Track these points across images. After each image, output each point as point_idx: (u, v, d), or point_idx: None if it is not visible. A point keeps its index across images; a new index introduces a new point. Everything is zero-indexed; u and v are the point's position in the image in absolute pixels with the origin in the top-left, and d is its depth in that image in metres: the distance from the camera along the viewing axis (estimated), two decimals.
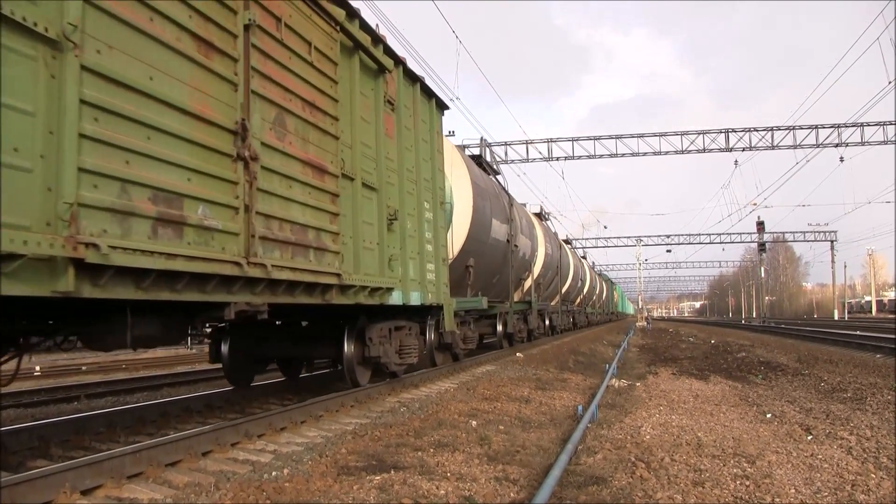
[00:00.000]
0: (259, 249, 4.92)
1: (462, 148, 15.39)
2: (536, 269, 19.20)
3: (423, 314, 9.46)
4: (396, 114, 8.05)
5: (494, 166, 17.76)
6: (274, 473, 4.37)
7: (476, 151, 18.32)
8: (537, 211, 24.58)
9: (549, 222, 26.43)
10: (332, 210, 6.02)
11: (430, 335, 10.28)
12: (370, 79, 7.47)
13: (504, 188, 16.86)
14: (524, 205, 21.53)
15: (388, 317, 8.15)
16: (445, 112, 10.08)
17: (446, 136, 11.28)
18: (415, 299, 8.17)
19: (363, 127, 7.08)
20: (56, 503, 3.68)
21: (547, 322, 21.98)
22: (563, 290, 26.23)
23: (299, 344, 8.23)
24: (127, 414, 6.78)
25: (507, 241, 15.13)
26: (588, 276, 36.38)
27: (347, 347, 7.56)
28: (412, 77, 8.82)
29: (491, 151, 18.30)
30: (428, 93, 9.37)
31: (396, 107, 8.03)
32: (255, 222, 4.89)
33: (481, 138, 17.99)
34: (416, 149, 8.70)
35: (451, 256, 11.04)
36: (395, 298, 7.52)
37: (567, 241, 33.87)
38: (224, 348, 8.17)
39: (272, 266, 5.00)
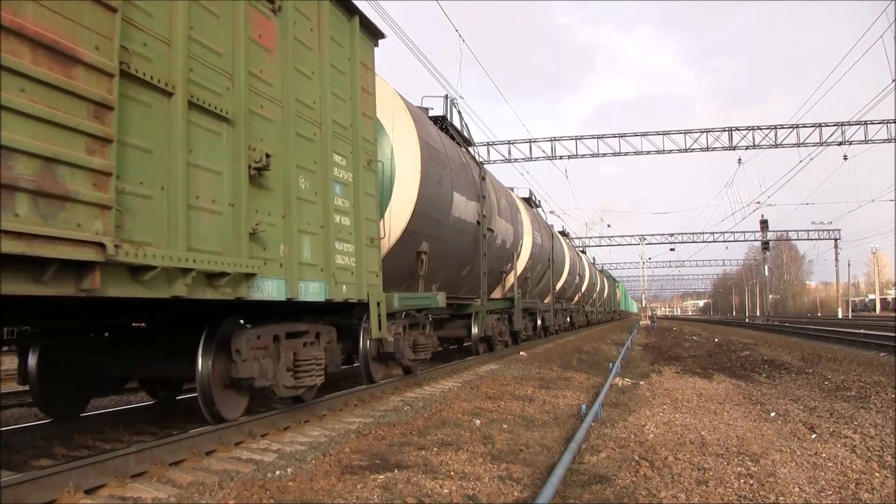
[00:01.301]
0: None
1: (425, 110, 11.73)
2: (522, 261, 16.65)
3: (344, 314, 7.34)
4: (282, 20, 5.54)
5: (466, 134, 13.98)
6: (277, 472, 4.37)
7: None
8: (526, 196, 21.09)
9: (540, 210, 23.00)
10: (92, 130, 3.43)
11: (364, 342, 7.88)
12: None
13: (476, 160, 13.72)
14: (513, 189, 18.82)
15: (284, 317, 6.05)
16: (381, 43, 7.66)
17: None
18: (313, 293, 5.80)
19: (203, 18, 4.56)
20: (59, 502, 3.69)
21: (539, 322, 19.57)
22: (558, 286, 23.63)
23: (129, 358, 6.15)
24: (130, 413, 6.79)
25: (478, 222, 12.37)
26: (587, 272, 33.91)
27: (202, 364, 5.20)
28: None
29: (460, 115, 13.64)
30: (347, 7, 6.85)
31: (282, 10, 5.53)
32: None
33: (445, 95, 13.03)
34: (321, 79, 6.20)
35: (388, 237, 8.65)
36: (270, 291, 5.14)
37: (564, 234, 30.65)
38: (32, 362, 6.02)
39: None
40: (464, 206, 11.45)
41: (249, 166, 4.84)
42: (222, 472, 4.41)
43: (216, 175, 4.54)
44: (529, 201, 20.97)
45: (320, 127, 6.13)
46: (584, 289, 32.25)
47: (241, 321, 5.70)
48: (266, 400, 6.37)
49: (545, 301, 21.44)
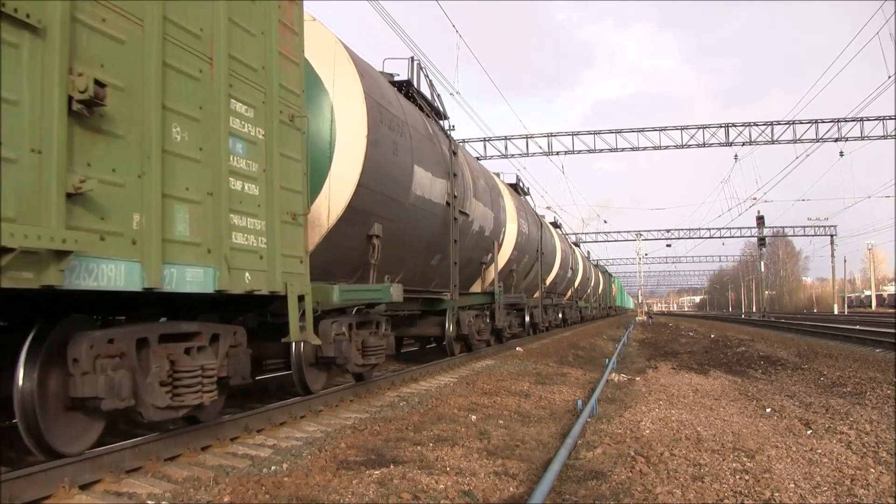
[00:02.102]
0: None
1: (389, 76, 10.00)
2: (505, 252, 14.91)
3: (260, 309, 5.94)
4: None
5: (438, 104, 11.48)
6: (273, 468, 4.37)
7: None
8: (513, 182, 19.13)
9: (529, 198, 20.53)
10: None
11: (298, 346, 6.58)
12: None
13: (446, 132, 11.36)
14: (498, 175, 17.04)
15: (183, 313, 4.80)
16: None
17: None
18: (192, 281, 4.31)
19: None
20: (55, 499, 3.68)
21: (528, 318, 18.05)
22: (548, 280, 21.78)
23: None
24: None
25: (448, 203, 10.53)
26: (581, 266, 31.71)
27: (25, 378, 3.82)
28: None
29: (430, 83, 11.49)
30: None
31: None
32: None
33: (411, 58, 11.00)
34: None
35: (327, 215, 7.20)
36: (111, 277, 3.64)
37: (556, 225, 28.31)
38: None
39: None
40: (428, 184, 9.50)
41: (71, 98, 3.35)
42: (218, 468, 4.41)
43: (7, 105, 3.07)
44: (516, 188, 18.92)
45: (210, 63, 4.59)
46: (577, 283, 30.38)
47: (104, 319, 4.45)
48: (131, 425, 5.17)
49: (534, 296, 19.62)
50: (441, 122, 11.49)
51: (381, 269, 8.12)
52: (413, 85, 10.58)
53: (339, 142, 7.30)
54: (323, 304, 6.38)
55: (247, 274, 4.88)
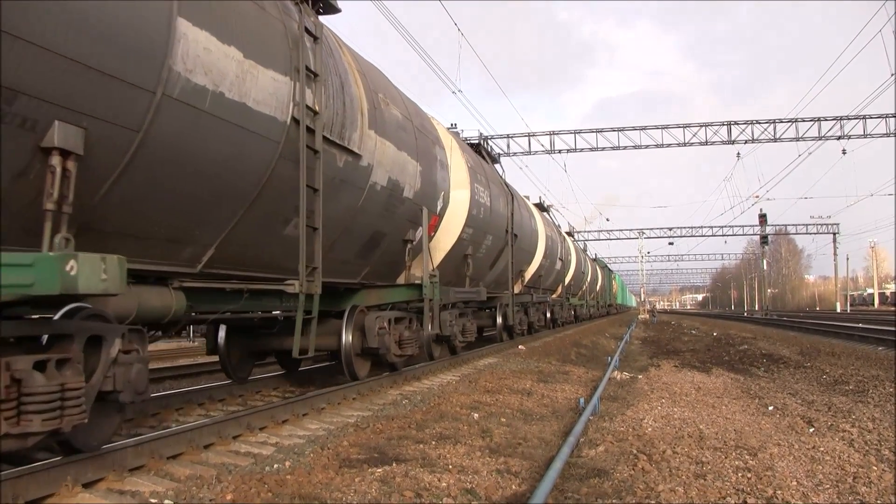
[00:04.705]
0: None
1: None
2: (451, 227, 10.85)
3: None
4: None
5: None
6: (276, 466, 4.37)
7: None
8: (474, 142, 15.24)
9: (499, 166, 16.63)
10: None
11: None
12: None
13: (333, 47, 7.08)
14: (462, 133, 13.98)
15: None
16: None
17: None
18: None
19: None
20: (58, 497, 3.69)
21: (500, 320, 14.99)
22: (528, 272, 18.01)
23: None
24: (128, 406, 6.77)
25: (296, 121, 5.90)
26: (574, 258, 27.66)
27: None
28: None
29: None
30: None
31: None
32: None
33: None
34: None
35: None
36: None
37: (542, 208, 23.87)
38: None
39: None
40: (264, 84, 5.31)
41: None
42: (220, 466, 4.42)
43: None
44: (480, 150, 14.98)
45: None
46: (568, 278, 26.21)
47: None
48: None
49: (504, 292, 15.35)
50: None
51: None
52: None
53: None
54: None
55: None
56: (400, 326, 8.61)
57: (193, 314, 5.52)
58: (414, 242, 9.14)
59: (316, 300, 6.39)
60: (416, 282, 9.18)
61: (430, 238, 9.78)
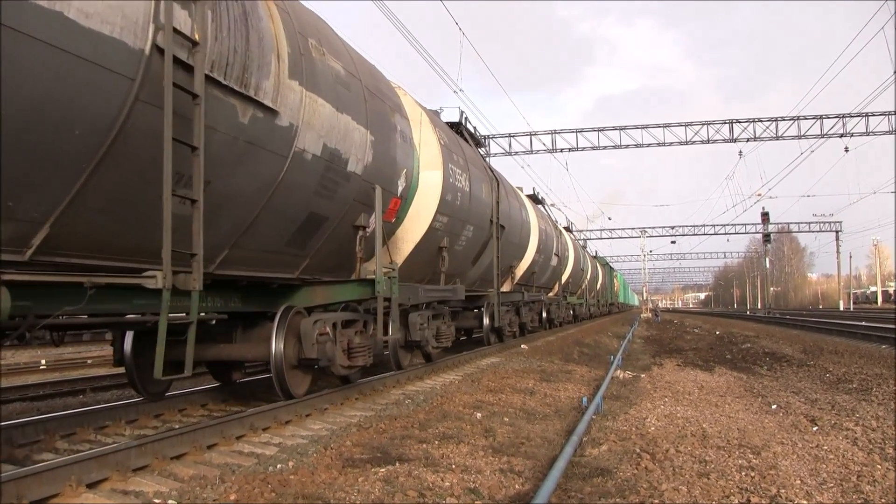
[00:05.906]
0: None
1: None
2: (420, 213, 9.21)
3: None
4: None
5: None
6: (279, 466, 4.38)
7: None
8: (454, 121, 12.90)
9: (482, 150, 15.68)
10: None
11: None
12: None
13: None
14: (440, 112, 11.97)
15: None
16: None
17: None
18: None
19: None
20: (62, 497, 3.70)
21: (486, 321, 13.55)
22: (520, 268, 16.85)
23: None
24: (132, 407, 6.79)
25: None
26: (573, 255, 26.23)
27: None
28: None
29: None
30: None
31: None
32: None
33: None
34: None
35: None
36: None
37: (536, 200, 21.87)
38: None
39: None
40: None
41: None
42: (224, 466, 4.42)
43: None
44: (458, 128, 12.78)
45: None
46: (566, 276, 24.61)
47: None
48: None
49: (488, 290, 13.67)
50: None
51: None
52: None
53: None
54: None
55: None
56: (349, 331, 7.18)
57: (26, 317, 3.97)
58: (368, 230, 7.49)
59: (195, 298, 4.64)
60: (371, 276, 7.46)
61: (392, 225, 8.48)
